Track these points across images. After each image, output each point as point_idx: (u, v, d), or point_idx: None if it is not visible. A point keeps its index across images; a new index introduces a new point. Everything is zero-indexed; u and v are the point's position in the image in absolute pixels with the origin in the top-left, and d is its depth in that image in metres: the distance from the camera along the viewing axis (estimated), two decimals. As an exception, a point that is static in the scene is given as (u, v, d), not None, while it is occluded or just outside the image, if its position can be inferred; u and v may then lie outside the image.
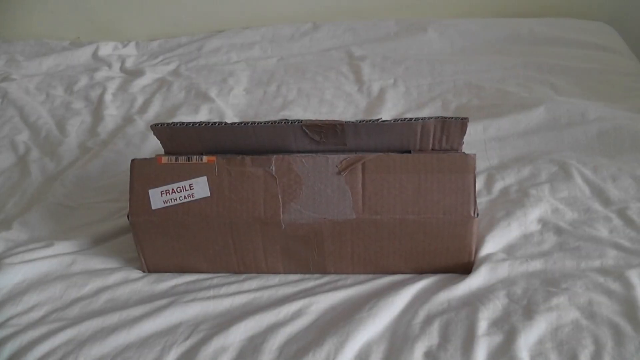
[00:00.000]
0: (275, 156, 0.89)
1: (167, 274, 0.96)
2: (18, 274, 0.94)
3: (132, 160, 0.92)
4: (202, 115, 1.45)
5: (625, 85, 1.40)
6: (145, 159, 0.91)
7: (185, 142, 0.92)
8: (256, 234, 0.90)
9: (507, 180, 1.10)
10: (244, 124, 0.89)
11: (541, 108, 1.27)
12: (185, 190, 0.90)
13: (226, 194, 0.89)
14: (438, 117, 0.87)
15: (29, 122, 1.48)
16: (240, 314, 0.86)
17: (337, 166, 0.88)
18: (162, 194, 0.90)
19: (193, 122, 0.89)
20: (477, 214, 0.87)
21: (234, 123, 0.89)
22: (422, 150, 0.90)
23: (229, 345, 0.80)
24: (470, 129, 1.22)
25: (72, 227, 1.09)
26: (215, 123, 0.89)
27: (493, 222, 0.98)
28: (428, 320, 0.81)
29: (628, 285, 0.84)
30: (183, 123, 0.90)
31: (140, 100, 1.56)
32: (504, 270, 0.89)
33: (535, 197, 1.03)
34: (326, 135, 0.90)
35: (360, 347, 0.78)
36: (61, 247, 1.01)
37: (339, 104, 1.46)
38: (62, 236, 1.05)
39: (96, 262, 0.99)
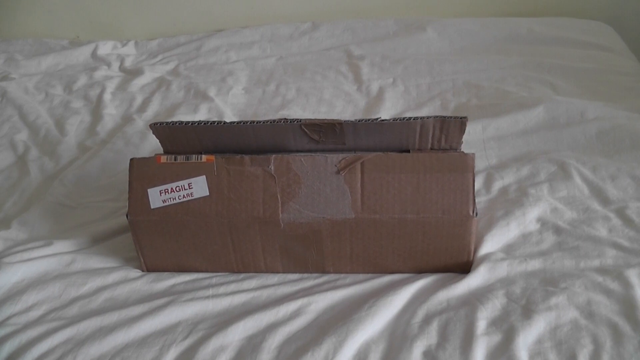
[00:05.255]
0: (274, 155, 0.89)
1: (166, 273, 0.96)
2: (17, 273, 0.94)
3: (131, 160, 0.91)
4: (201, 115, 1.45)
5: (624, 85, 1.40)
6: (144, 158, 0.91)
7: (184, 142, 0.92)
8: (255, 234, 0.90)
9: (506, 179, 1.10)
10: (243, 123, 0.89)
11: (540, 107, 1.27)
12: (184, 189, 0.90)
13: (225, 194, 0.89)
14: (437, 117, 0.87)
15: (28, 121, 1.48)
16: (239, 313, 0.86)
17: (336, 165, 0.88)
18: (161, 193, 0.90)
19: (192, 122, 0.89)
20: (476, 214, 0.87)
21: (233, 122, 0.89)
22: (421, 150, 0.90)
23: (228, 345, 0.80)
24: (469, 128, 1.23)
25: (71, 226, 1.09)
26: (214, 122, 0.89)
27: (492, 221, 0.98)
28: (427, 320, 0.81)
29: (627, 284, 0.84)
30: (182, 122, 0.90)
31: (139, 100, 1.56)
32: (502, 269, 0.89)
33: (534, 196, 1.03)
34: (325, 135, 0.90)
35: (359, 347, 0.79)
36: (60, 246, 1.01)
37: (337, 104, 1.46)
38: (61, 235, 1.06)
39: (95, 261, 0.99)
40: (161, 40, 1.90)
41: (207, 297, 0.89)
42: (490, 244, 0.94)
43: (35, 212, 1.12)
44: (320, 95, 1.50)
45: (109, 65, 1.77)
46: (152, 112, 1.50)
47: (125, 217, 0.92)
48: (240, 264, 0.94)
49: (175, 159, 0.90)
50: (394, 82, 1.52)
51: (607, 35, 1.68)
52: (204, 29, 1.94)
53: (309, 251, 0.92)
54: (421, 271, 0.92)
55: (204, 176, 0.89)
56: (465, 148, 0.93)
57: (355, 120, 0.87)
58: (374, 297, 0.85)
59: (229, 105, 1.50)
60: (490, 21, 1.79)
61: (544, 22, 1.75)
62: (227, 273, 0.95)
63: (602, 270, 0.87)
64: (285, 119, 0.89)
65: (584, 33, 1.67)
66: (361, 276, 0.93)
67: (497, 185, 1.09)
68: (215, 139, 0.91)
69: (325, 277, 0.93)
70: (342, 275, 0.93)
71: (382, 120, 0.87)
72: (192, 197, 0.90)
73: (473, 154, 0.88)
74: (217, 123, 0.89)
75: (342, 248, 0.91)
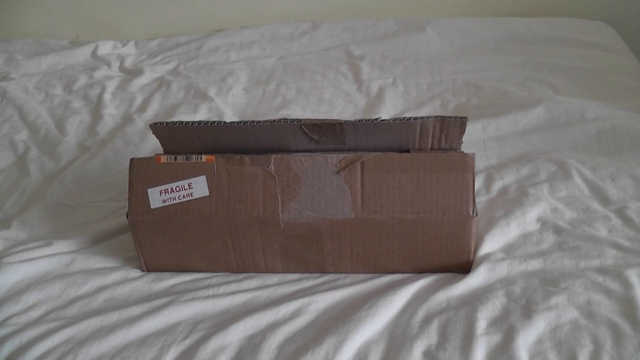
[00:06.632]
0: (274, 155, 0.89)
1: (166, 273, 0.96)
2: (17, 273, 0.94)
3: (131, 160, 0.91)
4: (201, 115, 1.45)
5: (624, 85, 1.40)
6: (144, 158, 0.91)
7: (184, 141, 0.92)
8: (255, 233, 0.90)
9: (506, 179, 1.10)
10: (243, 123, 0.89)
11: (540, 107, 1.27)
12: (184, 189, 0.90)
13: (225, 193, 0.89)
14: (437, 117, 0.87)
15: (28, 121, 1.48)
16: (239, 313, 0.86)
17: (336, 165, 0.88)
18: (161, 193, 0.90)
19: (192, 121, 0.89)
20: (476, 214, 0.87)
21: (233, 122, 0.89)
22: (421, 150, 0.90)
23: (228, 345, 0.80)
24: (469, 128, 1.23)
25: (71, 226, 1.09)
26: (214, 122, 0.89)
27: (492, 221, 0.98)
28: (427, 320, 0.81)
29: (627, 284, 0.84)
30: (182, 122, 0.90)
31: (139, 100, 1.56)
32: (502, 269, 0.89)
33: (534, 196, 1.03)
34: (325, 135, 0.90)
35: (359, 347, 0.79)
36: (60, 246, 1.01)
37: (338, 103, 1.46)
38: (61, 235, 1.06)
39: (95, 261, 0.99)
40: (161, 40, 1.91)
41: (207, 297, 0.89)
42: (490, 244, 0.94)
43: (35, 212, 1.12)
44: (320, 95, 1.50)
45: (109, 65, 1.77)
46: (152, 112, 1.50)
47: (125, 217, 0.92)
48: (240, 264, 0.94)
49: (175, 159, 0.90)
50: (394, 82, 1.52)
51: (607, 35, 1.68)
52: (204, 29, 1.94)
53: (309, 251, 0.92)
54: (421, 271, 0.92)
55: (204, 176, 0.89)
56: (465, 148, 0.93)
57: (355, 120, 0.87)
58: (374, 297, 0.85)
59: (229, 105, 1.50)
60: (490, 21, 1.79)
61: (544, 22, 1.75)
62: (227, 273, 0.95)
63: (602, 270, 0.87)
64: (285, 119, 0.89)
65: (584, 33, 1.67)
66: (361, 276, 0.93)
67: (497, 185, 1.09)
68: (215, 139, 0.91)
69: (325, 277, 0.93)
70: (342, 275, 0.93)
71: (382, 120, 0.87)
72: (192, 197, 0.90)
73: (473, 153, 0.88)
74: (217, 123, 0.89)
75: (342, 248, 0.91)
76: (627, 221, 0.97)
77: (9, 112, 1.52)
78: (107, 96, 1.57)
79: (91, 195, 1.17)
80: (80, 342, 0.81)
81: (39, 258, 0.97)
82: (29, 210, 1.12)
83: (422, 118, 0.87)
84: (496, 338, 0.78)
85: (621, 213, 0.99)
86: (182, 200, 0.90)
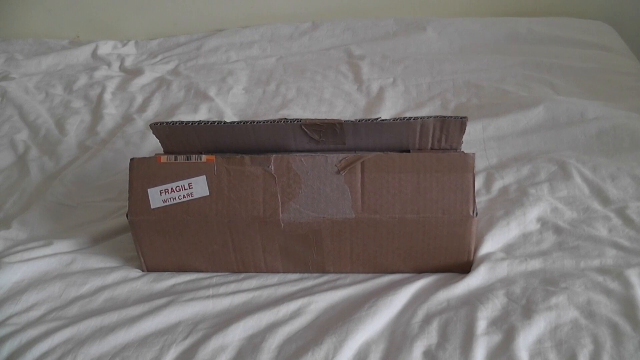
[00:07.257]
0: (274, 155, 0.89)
1: (166, 273, 0.96)
2: (17, 272, 0.94)
3: (131, 159, 0.91)
4: (201, 115, 1.45)
5: (625, 85, 1.40)
6: (145, 158, 0.91)
7: (184, 141, 0.92)
8: (255, 233, 0.90)
9: (506, 179, 1.10)
10: (243, 123, 0.89)
11: (540, 107, 1.27)
12: (184, 189, 0.90)
13: (225, 193, 0.89)
14: (437, 117, 0.87)
15: (28, 121, 1.48)
16: (239, 313, 0.86)
17: (336, 165, 0.88)
18: (161, 193, 0.90)
19: (192, 121, 0.89)
20: (476, 213, 0.87)
21: (233, 122, 0.89)
22: (421, 150, 0.90)
23: (228, 344, 0.80)
24: (470, 128, 1.22)
25: (71, 226, 1.09)
26: (214, 122, 0.89)
27: (492, 221, 0.98)
28: (427, 320, 0.81)
29: (627, 284, 0.84)
30: (182, 122, 0.90)
31: (139, 99, 1.56)
32: (503, 269, 0.89)
33: (534, 196, 1.03)
34: (325, 135, 0.90)
35: (359, 346, 0.79)
36: (60, 246, 1.01)
37: (338, 103, 1.46)
38: (61, 235, 1.05)
39: (95, 261, 0.99)
40: (161, 40, 1.91)
41: (207, 297, 0.89)
42: (491, 244, 0.94)
43: (35, 212, 1.12)
44: (320, 95, 1.50)
45: (109, 65, 1.77)
46: (152, 111, 1.50)
47: (125, 216, 0.92)
48: (240, 263, 0.94)
49: (175, 159, 0.90)
50: (394, 82, 1.52)
51: (607, 35, 1.68)
52: (204, 29, 1.94)
53: (309, 251, 0.92)
54: (421, 271, 0.92)
55: (204, 176, 0.89)
56: (465, 148, 0.93)
57: (356, 120, 0.87)
58: (374, 297, 0.85)
59: (229, 105, 1.50)
60: (490, 21, 1.79)
61: (544, 21, 1.75)
62: (227, 273, 0.95)
63: (602, 270, 0.87)
64: (285, 118, 0.89)
65: (584, 33, 1.67)
66: (361, 276, 0.93)
67: (497, 185, 1.09)
68: (215, 138, 0.91)
69: (325, 277, 0.93)
70: (342, 275, 0.93)
71: (382, 120, 0.87)
72: (192, 197, 0.90)
73: (473, 153, 0.88)
74: (217, 123, 0.89)
75: (342, 248, 0.91)
76: (627, 221, 0.97)
77: (9, 112, 1.52)
78: (107, 96, 1.57)
79: (91, 195, 1.17)
80: (80, 342, 0.81)
81: (39, 258, 0.97)
82: (29, 210, 1.13)
83: (422, 118, 0.87)
84: (496, 338, 0.78)
85: (621, 213, 0.99)
86: (182, 200, 0.90)
